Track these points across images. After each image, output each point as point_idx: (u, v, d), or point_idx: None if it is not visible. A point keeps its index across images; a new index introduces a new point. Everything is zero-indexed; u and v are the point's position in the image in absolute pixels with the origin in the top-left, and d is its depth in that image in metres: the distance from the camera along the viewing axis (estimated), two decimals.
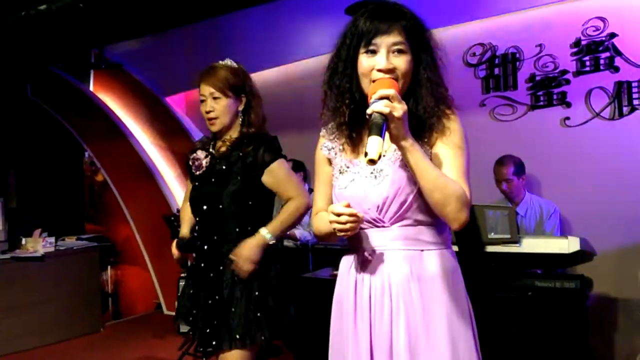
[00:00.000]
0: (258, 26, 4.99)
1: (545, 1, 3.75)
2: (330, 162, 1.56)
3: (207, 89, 2.22)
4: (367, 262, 1.47)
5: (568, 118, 3.74)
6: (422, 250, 1.43)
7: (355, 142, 1.51)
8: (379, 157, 1.23)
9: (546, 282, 2.72)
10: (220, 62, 2.28)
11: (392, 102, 1.26)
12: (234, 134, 2.26)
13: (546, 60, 3.80)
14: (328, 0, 4.23)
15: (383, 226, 1.44)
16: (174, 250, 2.40)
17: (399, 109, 1.26)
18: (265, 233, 2.16)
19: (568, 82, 3.73)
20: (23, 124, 5.90)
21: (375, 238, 1.46)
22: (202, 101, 2.25)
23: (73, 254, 5.01)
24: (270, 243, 2.16)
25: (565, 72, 3.74)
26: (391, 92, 1.27)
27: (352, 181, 1.47)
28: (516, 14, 3.88)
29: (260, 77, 4.90)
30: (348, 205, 1.36)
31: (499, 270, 2.78)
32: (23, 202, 5.78)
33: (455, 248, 2.69)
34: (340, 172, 1.51)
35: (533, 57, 3.85)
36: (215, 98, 2.21)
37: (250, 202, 2.18)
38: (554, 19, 3.76)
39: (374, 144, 1.23)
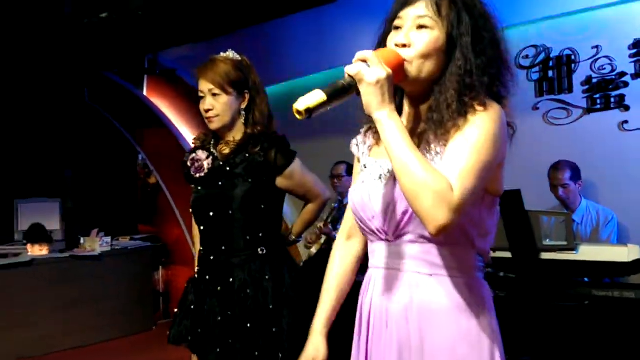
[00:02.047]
0: (304, 31, 5.05)
1: (602, 2, 3.64)
2: (359, 160, 1.34)
3: (205, 85, 2.00)
4: (370, 283, 1.27)
5: (626, 122, 3.62)
6: (430, 275, 1.17)
7: (380, 141, 1.23)
8: (307, 112, 1.08)
9: (604, 291, 2.63)
10: (222, 54, 2.05)
11: (369, 65, 1.09)
12: (237, 135, 2.03)
13: (603, 62, 3.69)
14: (374, 4, 4.22)
15: (387, 240, 1.21)
16: None
17: (371, 73, 1.07)
18: (292, 237, 2.21)
19: (626, 84, 3.61)
20: (80, 127, 6.13)
21: (380, 254, 1.23)
22: (200, 98, 2.04)
23: (128, 253, 5.18)
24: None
25: (623, 74, 3.62)
26: (368, 54, 1.10)
27: (362, 183, 1.26)
28: (571, 14, 3.78)
29: (309, 82, 4.96)
30: None
31: (554, 278, 2.71)
32: (79, 203, 6.00)
33: (507, 254, 2.65)
34: (358, 173, 1.31)
35: (589, 59, 3.74)
36: (214, 95, 1.99)
37: (262, 206, 1.99)
38: (612, 20, 3.64)
39: (311, 95, 1.09)
